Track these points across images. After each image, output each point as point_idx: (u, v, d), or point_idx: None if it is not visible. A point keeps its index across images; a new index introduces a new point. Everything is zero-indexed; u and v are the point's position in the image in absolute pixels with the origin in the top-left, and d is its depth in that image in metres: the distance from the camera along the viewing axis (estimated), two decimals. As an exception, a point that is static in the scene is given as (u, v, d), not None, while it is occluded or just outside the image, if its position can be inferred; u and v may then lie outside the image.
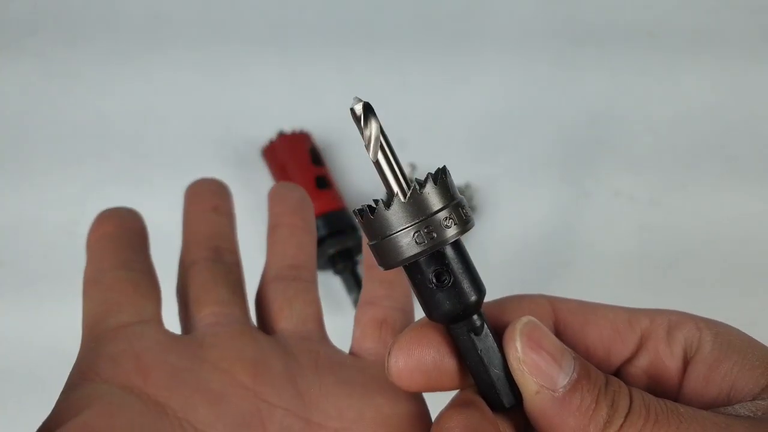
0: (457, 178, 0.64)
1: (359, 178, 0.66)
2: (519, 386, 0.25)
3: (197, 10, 0.75)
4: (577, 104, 0.70)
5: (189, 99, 0.69)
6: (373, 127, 0.24)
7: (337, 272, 0.60)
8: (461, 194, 0.25)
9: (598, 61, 0.72)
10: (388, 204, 0.23)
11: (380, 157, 0.24)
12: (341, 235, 0.59)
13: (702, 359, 0.27)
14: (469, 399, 0.26)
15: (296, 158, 0.62)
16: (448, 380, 0.26)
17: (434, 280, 0.24)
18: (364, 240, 0.26)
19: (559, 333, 0.28)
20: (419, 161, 0.64)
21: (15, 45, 0.73)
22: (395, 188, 0.23)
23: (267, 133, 0.64)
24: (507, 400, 0.26)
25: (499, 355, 0.26)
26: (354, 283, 0.59)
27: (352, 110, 0.24)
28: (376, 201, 0.24)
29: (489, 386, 0.26)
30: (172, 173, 0.66)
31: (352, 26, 0.74)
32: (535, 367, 0.24)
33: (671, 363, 0.27)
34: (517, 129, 0.69)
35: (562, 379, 0.24)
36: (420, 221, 0.23)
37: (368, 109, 0.24)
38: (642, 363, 0.28)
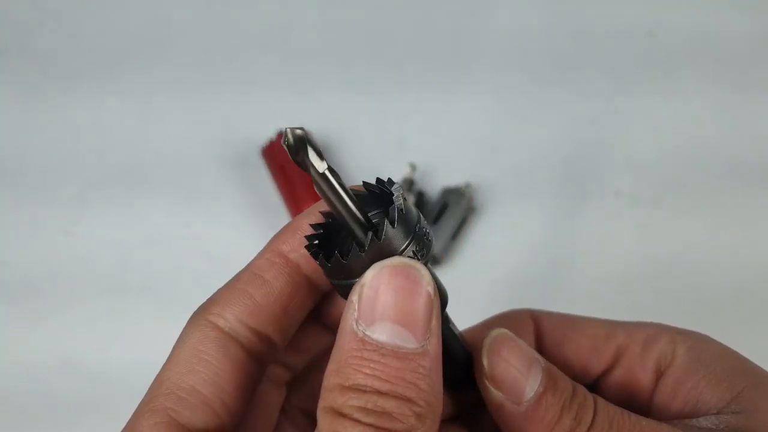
0: (457, 178, 0.64)
1: (359, 178, 0.66)
2: (484, 398, 0.26)
3: (197, 11, 0.75)
4: (578, 103, 0.70)
5: (188, 98, 0.69)
6: (317, 162, 0.21)
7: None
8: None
9: (599, 62, 0.72)
10: (350, 250, 0.22)
11: (332, 197, 0.22)
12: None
13: (672, 373, 0.28)
14: None
15: (296, 158, 0.62)
16: None
17: None
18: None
19: (540, 346, 0.30)
20: (419, 161, 0.64)
21: (16, 46, 0.73)
22: (358, 234, 0.23)
23: (266, 133, 0.64)
24: (461, 384, 0.27)
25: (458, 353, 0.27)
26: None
27: (287, 147, 0.21)
28: (321, 229, 0.24)
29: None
30: (172, 172, 0.66)
31: (352, 26, 0.74)
32: (500, 383, 0.25)
33: (644, 376, 0.29)
34: (517, 128, 0.68)
35: (528, 392, 0.25)
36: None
37: (303, 142, 0.21)
38: (616, 376, 0.30)
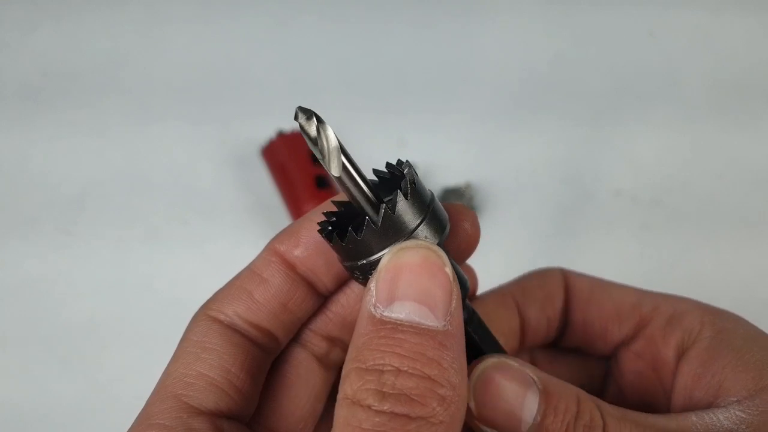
0: (457, 178, 0.64)
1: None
2: None
3: (196, 12, 0.75)
4: (578, 103, 0.70)
5: (188, 99, 0.69)
6: (331, 138, 0.21)
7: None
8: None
9: (600, 64, 0.72)
10: (363, 225, 0.22)
11: (343, 174, 0.22)
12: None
13: (696, 354, 0.26)
14: None
15: (296, 158, 0.62)
16: None
17: None
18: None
19: (568, 306, 0.29)
20: (419, 161, 0.64)
21: (14, 46, 0.72)
22: (369, 211, 0.22)
23: (266, 133, 0.64)
24: None
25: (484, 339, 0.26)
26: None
27: (302, 128, 0.21)
28: (334, 214, 0.23)
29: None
30: (171, 172, 0.66)
31: (353, 28, 0.74)
32: (492, 421, 0.24)
33: (665, 352, 0.28)
34: (518, 129, 0.68)
35: (524, 426, 0.23)
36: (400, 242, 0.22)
37: (321, 121, 0.21)
38: (637, 347, 0.29)
